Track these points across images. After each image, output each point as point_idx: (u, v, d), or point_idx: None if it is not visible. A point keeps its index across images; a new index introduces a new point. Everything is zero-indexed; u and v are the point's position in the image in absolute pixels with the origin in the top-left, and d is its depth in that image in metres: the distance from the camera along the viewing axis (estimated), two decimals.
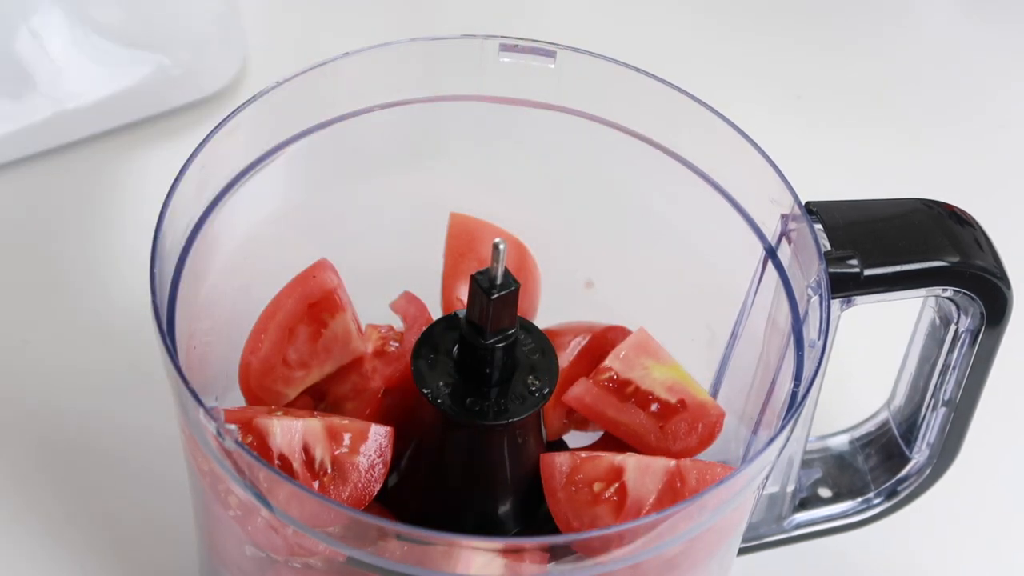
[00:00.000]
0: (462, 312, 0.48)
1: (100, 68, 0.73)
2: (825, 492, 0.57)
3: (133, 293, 0.66)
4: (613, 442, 0.52)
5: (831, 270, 0.48)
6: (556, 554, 0.42)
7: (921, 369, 0.54)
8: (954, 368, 0.52)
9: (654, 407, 0.51)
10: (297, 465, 0.47)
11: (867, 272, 0.48)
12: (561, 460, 0.48)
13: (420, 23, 0.83)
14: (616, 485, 0.47)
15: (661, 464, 0.48)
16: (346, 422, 0.48)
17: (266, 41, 0.81)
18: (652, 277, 0.57)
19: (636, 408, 0.51)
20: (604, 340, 0.54)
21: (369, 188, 0.56)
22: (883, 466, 0.56)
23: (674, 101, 0.52)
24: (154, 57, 0.73)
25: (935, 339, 0.53)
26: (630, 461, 0.48)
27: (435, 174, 0.58)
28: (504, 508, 0.50)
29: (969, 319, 0.51)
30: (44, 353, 0.64)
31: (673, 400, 0.51)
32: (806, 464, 0.56)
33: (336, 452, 0.47)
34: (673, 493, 0.47)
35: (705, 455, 0.52)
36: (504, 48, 0.54)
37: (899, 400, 0.56)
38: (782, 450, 0.46)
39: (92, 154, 0.73)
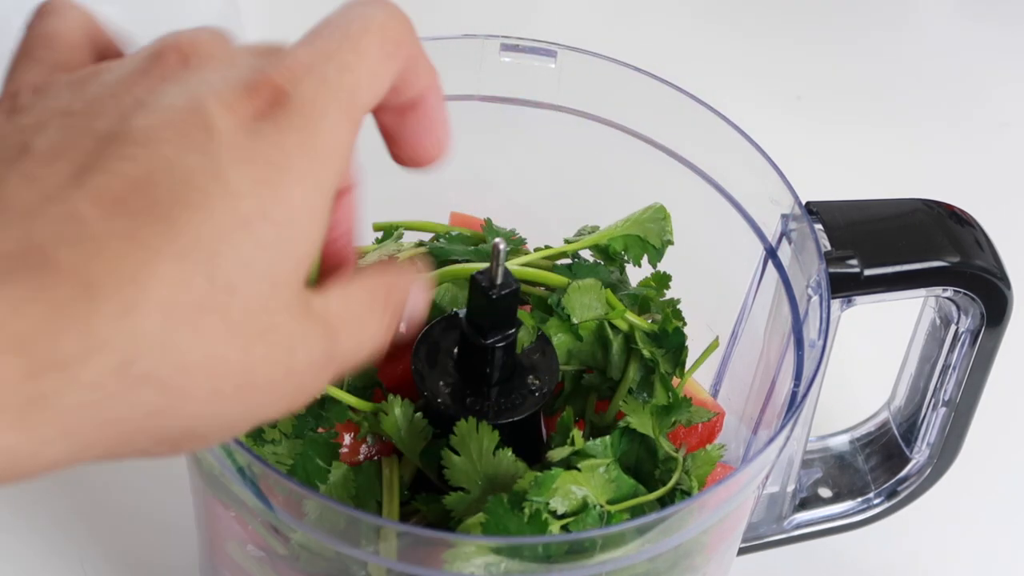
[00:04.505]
0: (462, 312, 0.48)
1: None
2: (825, 492, 0.57)
3: None
4: None
5: (831, 270, 0.48)
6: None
7: (921, 369, 0.54)
8: (954, 368, 0.52)
9: None
10: None
11: (867, 272, 0.48)
12: None
13: (420, 23, 0.82)
14: None
15: None
16: None
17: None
18: None
19: None
20: None
21: (369, 188, 0.56)
22: (883, 466, 0.56)
23: (674, 101, 0.52)
24: None
25: (935, 339, 0.53)
26: None
27: (435, 174, 0.58)
28: None
29: (969, 319, 0.51)
30: None
31: None
32: (806, 464, 0.56)
33: None
34: None
35: None
36: (504, 48, 0.54)
37: (899, 400, 0.56)
38: (782, 450, 0.46)
39: None
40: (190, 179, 0.31)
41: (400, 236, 0.53)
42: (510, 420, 0.47)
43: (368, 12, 0.35)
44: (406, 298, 0.38)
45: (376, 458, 0.48)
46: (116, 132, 0.31)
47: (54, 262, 0.29)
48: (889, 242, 0.49)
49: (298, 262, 0.32)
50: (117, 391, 0.29)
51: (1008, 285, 0.50)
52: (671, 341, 0.50)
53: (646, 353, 0.49)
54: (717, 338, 0.53)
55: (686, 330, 0.50)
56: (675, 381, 0.51)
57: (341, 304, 0.35)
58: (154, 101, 0.32)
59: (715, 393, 0.57)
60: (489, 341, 0.46)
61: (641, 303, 0.51)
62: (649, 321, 0.51)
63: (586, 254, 0.53)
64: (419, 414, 0.47)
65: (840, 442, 0.58)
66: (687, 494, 0.46)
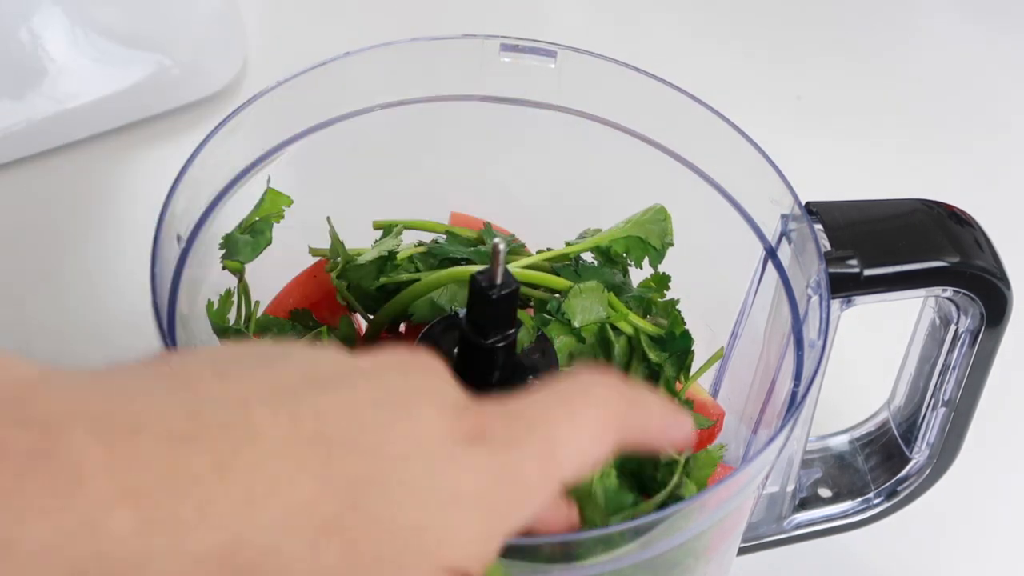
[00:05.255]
0: (462, 312, 0.48)
1: (100, 68, 0.73)
2: (825, 492, 0.57)
3: (133, 293, 0.66)
4: None
5: (831, 270, 0.48)
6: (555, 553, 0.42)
7: (921, 369, 0.54)
8: (954, 368, 0.52)
9: None
10: None
11: (867, 272, 0.49)
12: None
13: (420, 23, 0.83)
14: None
15: None
16: None
17: (266, 41, 0.81)
18: None
19: None
20: None
21: (369, 188, 0.56)
22: (883, 466, 0.56)
23: (674, 101, 0.52)
24: (154, 57, 0.73)
25: (935, 339, 0.53)
26: None
27: (435, 174, 0.58)
28: None
29: (969, 319, 0.51)
30: (44, 353, 0.64)
31: None
32: (806, 464, 0.56)
33: None
34: None
35: None
36: (504, 48, 0.54)
37: (899, 400, 0.56)
38: (782, 450, 0.46)
39: (92, 154, 0.73)
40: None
41: (400, 232, 0.53)
42: None
43: (592, 389, 0.36)
44: None
45: None
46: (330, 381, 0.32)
47: (206, 431, 0.29)
48: (889, 242, 0.49)
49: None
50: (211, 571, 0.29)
51: (1008, 285, 0.50)
52: (677, 345, 0.50)
53: (652, 357, 0.49)
54: (722, 348, 0.53)
55: None
56: (678, 384, 0.51)
57: None
58: (378, 376, 0.33)
59: (715, 393, 0.57)
60: (489, 341, 0.46)
61: (646, 306, 0.51)
62: (652, 323, 0.51)
63: (587, 256, 0.53)
64: None
65: (840, 442, 0.58)
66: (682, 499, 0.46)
